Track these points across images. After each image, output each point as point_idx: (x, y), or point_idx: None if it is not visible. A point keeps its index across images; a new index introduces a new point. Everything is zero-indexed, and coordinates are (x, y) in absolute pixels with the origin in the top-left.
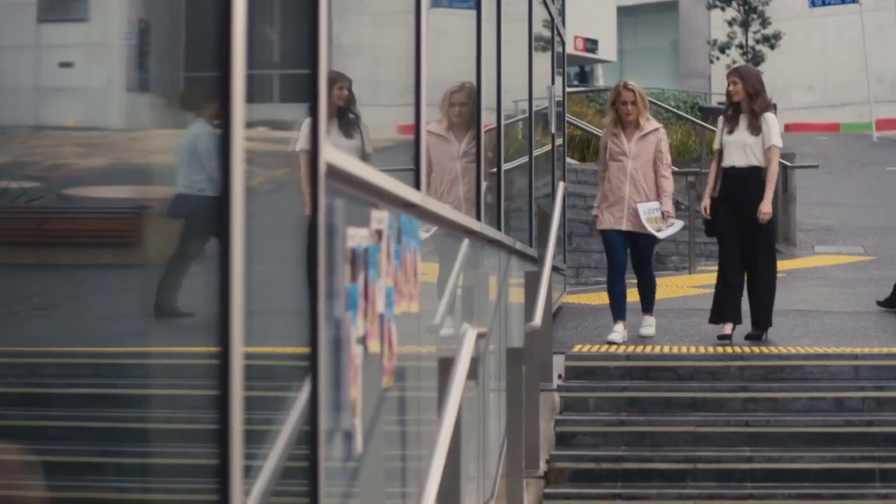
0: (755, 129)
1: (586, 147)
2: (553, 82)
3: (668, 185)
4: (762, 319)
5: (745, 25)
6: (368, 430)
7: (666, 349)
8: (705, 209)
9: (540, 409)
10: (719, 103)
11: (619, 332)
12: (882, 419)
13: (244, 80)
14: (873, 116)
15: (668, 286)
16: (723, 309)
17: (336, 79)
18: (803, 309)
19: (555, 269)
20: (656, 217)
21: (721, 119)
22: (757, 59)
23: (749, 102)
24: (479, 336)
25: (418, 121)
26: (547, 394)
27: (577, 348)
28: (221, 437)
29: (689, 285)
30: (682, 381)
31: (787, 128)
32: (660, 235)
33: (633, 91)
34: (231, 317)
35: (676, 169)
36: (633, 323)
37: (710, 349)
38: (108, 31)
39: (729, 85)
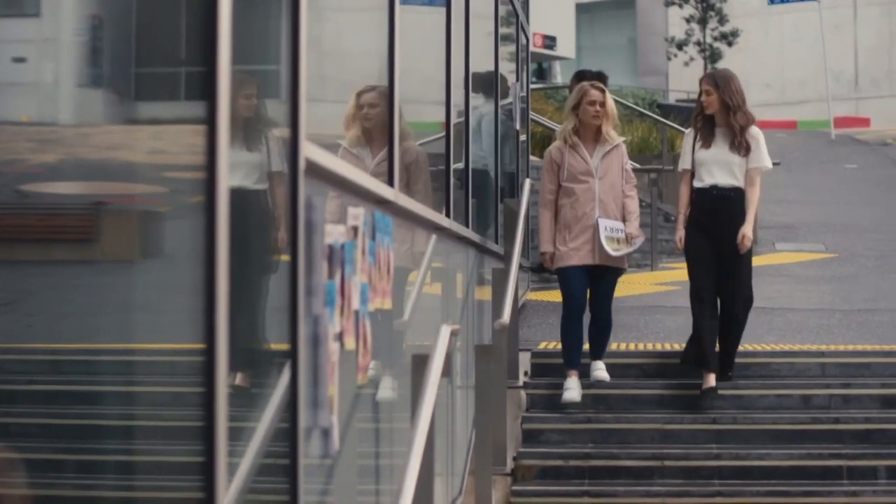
0: (742, 147)
1: (547, 143)
2: (517, 79)
3: (635, 205)
4: (730, 364)
5: (702, 23)
6: (344, 427)
7: (632, 346)
8: (680, 241)
9: (507, 406)
10: (677, 100)
11: (574, 388)
12: (849, 416)
13: (229, 76)
14: (831, 114)
15: (631, 283)
16: (706, 355)
17: (241, 84)
18: (766, 306)
19: (520, 266)
20: (618, 238)
21: (690, 132)
22: (714, 56)
23: (727, 116)
24: (453, 333)
25: (391, 115)
26: (513, 391)
27: (542, 345)
28: (207, 435)
29: (651, 282)
30: (648, 378)
31: None
32: (614, 254)
33: (601, 90)
34: (217, 314)
35: (638, 166)
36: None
37: (676, 346)
38: (61, 26)
39: (701, 94)
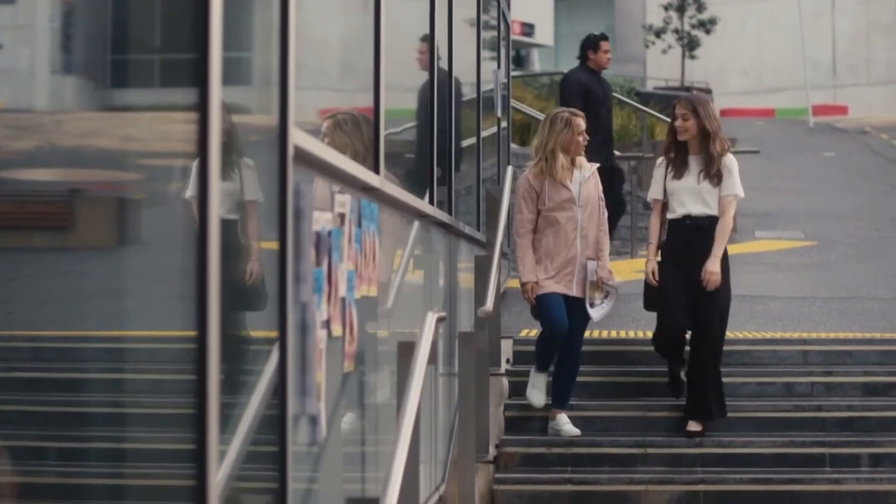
0: (716, 177)
1: (526, 131)
2: (499, 66)
3: (608, 241)
4: (705, 406)
5: (680, 10)
6: (331, 414)
7: (613, 333)
8: (653, 274)
9: (489, 394)
10: (655, 88)
11: (540, 388)
12: (831, 404)
13: (220, 65)
14: (809, 102)
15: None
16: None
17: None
18: (747, 294)
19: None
20: (594, 282)
21: (661, 162)
22: (692, 43)
23: (703, 143)
24: (439, 320)
25: (377, 104)
26: (496, 378)
27: (524, 333)
28: (199, 422)
29: (631, 270)
30: (630, 365)
31: (723, 113)
32: (594, 315)
33: (582, 117)
34: (209, 303)
35: (619, 153)
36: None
37: None
38: (35, 12)
39: (676, 118)
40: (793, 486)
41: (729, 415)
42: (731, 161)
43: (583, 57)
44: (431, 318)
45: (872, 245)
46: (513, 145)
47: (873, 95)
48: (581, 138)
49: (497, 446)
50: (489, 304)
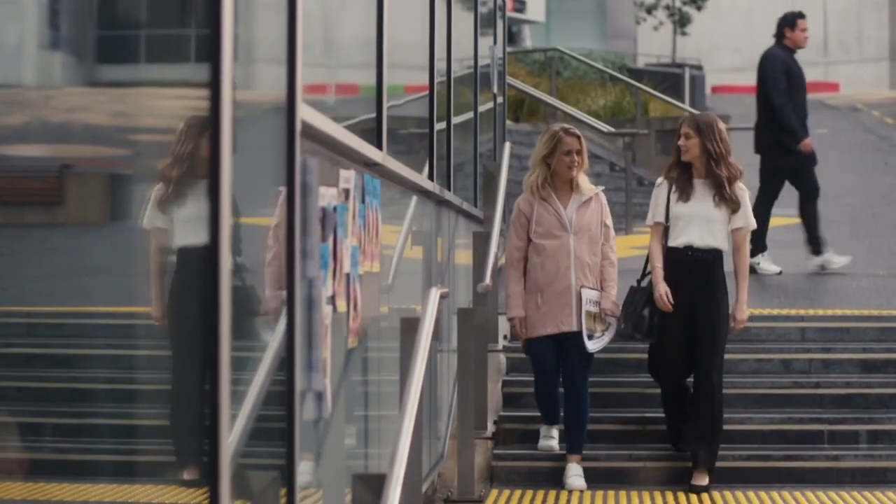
0: (727, 203)
1: (520, 107)
2: (495, 42)
3: (614, 272)
4: (707, 451)
5: None
6: (335, 390)
7: None
8: (666, 297)
9: (487, 370)
10: (647, 65)
11: (555, 437)
12: (829, 381)
13: (232, 39)
14: None
15: None
16: (690, 445)
17: (202, 127)
18: None
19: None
20: (594, 313)
21: (662, 183)
22: (684, 20)
23: (709, 165)
24: (442, 296)
25: (380, 79)
26: (493, 355)
27: None
28: (212, 399)
29: (627, 246)
30: (628, 341)
31: (714, 90)
32: (590, 347)
33: (577, 136)
34: (220, 281)
35: (613, 129)
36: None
37: None
38: None
39: (680, 138)
40: (791, 463)
41: (727, 391)
42: (744, 189)
43: (779, 35)
44: (434, 294)
45: (866, 222)
46: (507, 122)
47: (865, 72)
48: (568, 159)
49: (495, 422)
50: (488, 279)
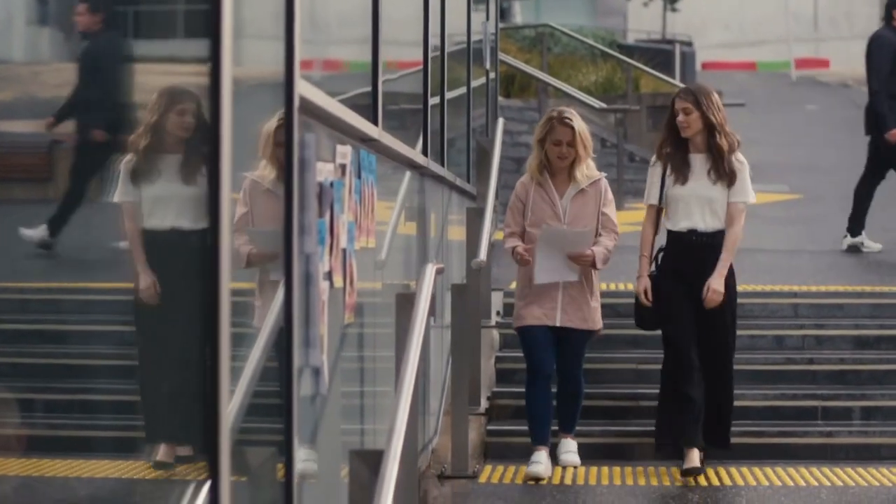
0: (724, 176)
1: (510, 83)
2: (487, 17)
3: (610, 243)
4: (721, 433)
5: None
6: (332, 366)
7: (603, 286)
8: (646, 293)
9: (481, 346)
10: (637, 41)
11: (542, 462)
12: (822, 357)
13: (232, 15)
14: (792, 55)
15: None
16: (682, 428)
17: (174, 98)
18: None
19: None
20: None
21: (656, 164)
22: None
23: (707, 138)
24: (438, 272)
25: (375, 56)
26: (486, 331)
27: (513, 285)
28: (212, 374)
29: (620, 222)
30: (621, 317)
31: (704, 66)
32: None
33: (571, 126)
34: (220, 255)
35: (605, 105)
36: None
37: None
38: None
39: (677, 112)
40: (785, 439)
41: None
42: (742, 160)
43: (888, 17)
44: (430, 270)
45: None
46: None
47: (855, 49)
48: (557, 150)
49: (489, 398)
50: (482, 255)
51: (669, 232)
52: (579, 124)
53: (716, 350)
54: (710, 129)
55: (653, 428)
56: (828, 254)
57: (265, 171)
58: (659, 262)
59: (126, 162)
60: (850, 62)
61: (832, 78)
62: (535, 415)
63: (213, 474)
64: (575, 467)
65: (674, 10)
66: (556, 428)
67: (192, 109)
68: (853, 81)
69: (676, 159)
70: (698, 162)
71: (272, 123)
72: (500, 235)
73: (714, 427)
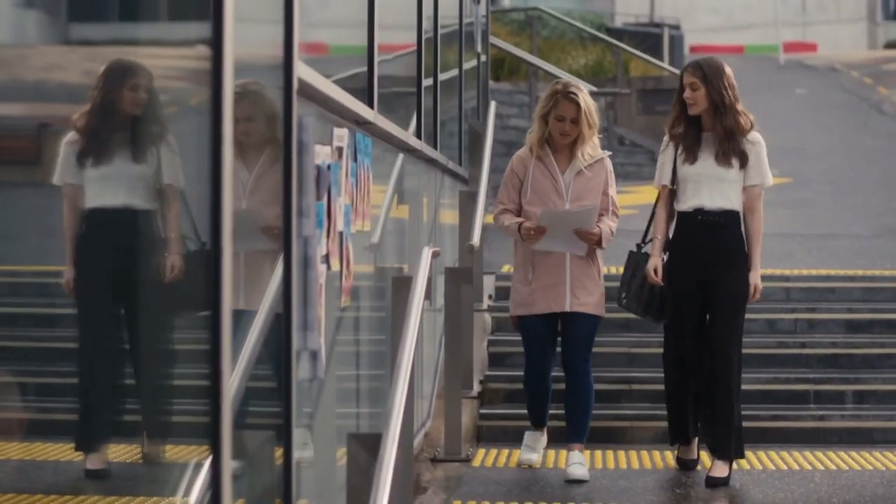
0: (738, 156)
1: (500, 67)
2: (478, 1)
3: (613, 225)
4: (725, 441)
5: None
6: (329, 350)
7: None
8: (655, 272)
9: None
10: (625, 24)
11: (536, 448)
12: (814, 341)
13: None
14: (780, 39)
15: None
16: (686, 424)
17: (126, 72)
18: None
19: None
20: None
21: (668, 144)
22: None
23: (716, 117)
24: (434, 255)
25: (371, 38)
26: (479, 314)
27: (506, 268)
28: (213, 358)
29: None
30: (612, 301)
31: (692, 49)
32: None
33: (576, 102)
34: (222, 238)
35: (595, 89)
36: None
37: None
38: None
39: (685, 88)
40: (778, 423)
41: None
42: (757, 140)
43: None
44: (427, 253)
45: (848, 182)
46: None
47: (842, 32)
48: (560, 125)
49: (481, 382)
50: (475, 238)
51: (678, 213)
52: (585, 99)
53: (723, 343)
54: (715, 107)
55: (646, 412)
56: (818, 237)
57: None
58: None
59: (68, 143)
60: (837, 46)
61: (820, 62)
62: (537, 395)
63: (215, 450)
64: (584, 482)
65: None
66: (555, 422)
67: (145, 84)
68: (841, 65)
69: (688, 137)
70: (709, 141)
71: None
72: (489, 218)
73: (717, 436)
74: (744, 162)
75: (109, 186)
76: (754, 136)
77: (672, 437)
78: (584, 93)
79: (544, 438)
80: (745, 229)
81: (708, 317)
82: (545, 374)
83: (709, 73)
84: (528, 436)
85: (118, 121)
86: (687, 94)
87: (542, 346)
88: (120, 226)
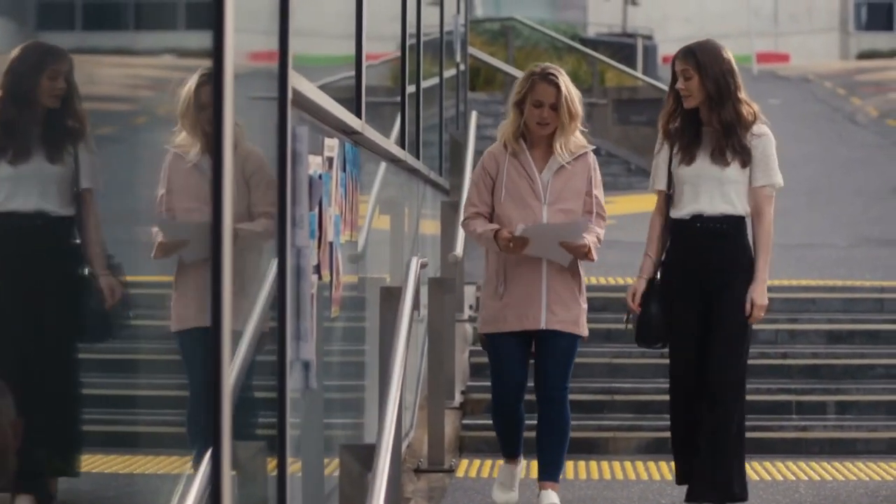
0: (739, 152)
1: (476, 76)
2: (458, 10)
3: (601, 231)
4: (724, 480)
5: None
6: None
7: None
8: (633, 297)
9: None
10: (598, 34)
11: (511, 485)
12: (796, 351)
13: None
14: (753, 50)
15: None
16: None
17: (44, 58)
18: None
19: None
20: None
21: (662, 145)
22: None
23: (713, 109)
24: (422, 266)
25: (359, 49)
26: (460, 325)
27: None
28: (215, 363)
29: None
30: (595, 311)
31: (666, 60)
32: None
33: (556, 85)
34: (223, 241)
35: (584, 129)
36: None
37: (622, 280)
38: None
39: (678, 76)
40: (760, 434)
41: None
42: (763, 133)
43: None
44: (415, 264)
45: (824, 192)
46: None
47: (815, 43)
48: (538, 112)
49: (463, 392)
50: (458, 249)
51: (673, 222)
52: (566, 84)
53: (722, 370)
54: (711, 98)
55: (628, 422)
56: (796, 248)
57: (185, 142)
58: (665, 259)
59: None
60: (810, 56)
61: (792, 72)
62: (503, 417)
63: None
64: None
65: (634, 3)
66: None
67: (65, 72)
68: (814, 76)
69: (686, 134)
70: (708, 137)
71: (192, 82)
72: None
73: (718, 473)
74: (746, 159)
75: (22, 188)
76: (760, 128)
77: (678, 479)
78: (564, 76)
79: (519, 470)
80: (753, 238)
81: (709, 339)
82: (517, 401)
83: (703, 58)
84: (502, 471)
85: (32, 113)
86: (680, 83)
87: (512, 369)
88: (33, 233)
